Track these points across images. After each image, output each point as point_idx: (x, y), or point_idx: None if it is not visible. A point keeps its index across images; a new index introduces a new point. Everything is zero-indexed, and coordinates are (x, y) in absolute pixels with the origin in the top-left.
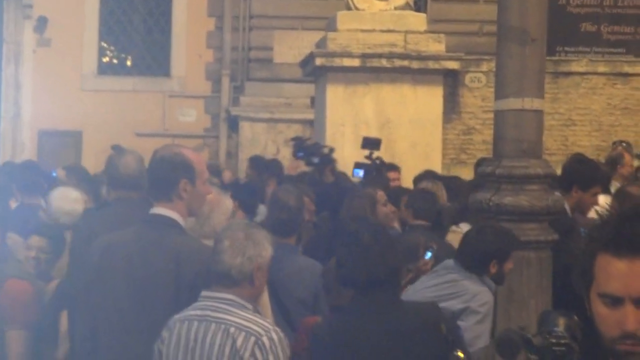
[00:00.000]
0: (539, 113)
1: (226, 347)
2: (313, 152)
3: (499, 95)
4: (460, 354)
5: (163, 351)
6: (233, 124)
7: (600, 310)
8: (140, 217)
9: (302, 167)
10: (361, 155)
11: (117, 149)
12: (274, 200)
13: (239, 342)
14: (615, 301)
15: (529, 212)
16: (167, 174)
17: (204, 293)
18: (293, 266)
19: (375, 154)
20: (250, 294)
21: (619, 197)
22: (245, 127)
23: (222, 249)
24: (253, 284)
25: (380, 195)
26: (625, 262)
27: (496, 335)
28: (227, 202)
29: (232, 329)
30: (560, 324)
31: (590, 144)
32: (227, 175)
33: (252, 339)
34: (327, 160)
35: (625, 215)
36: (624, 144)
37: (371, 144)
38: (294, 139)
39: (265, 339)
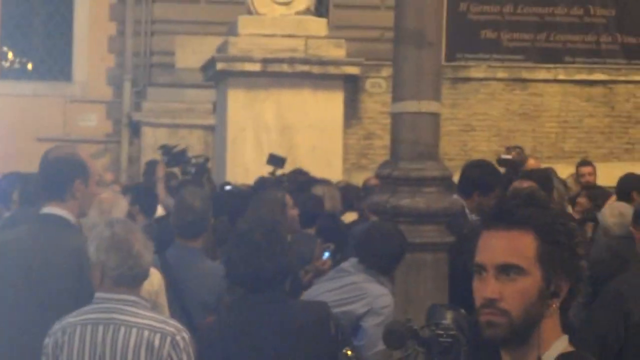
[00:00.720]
0: (435, 116)
1: (141, 349)
2: (179, 159)
3: (396, 98)
4: (349, 352)
5: (61, 357)
6: (135, 130)
7: (474, 284)
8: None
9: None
10: (262, 160)
11: None
12: (180, 202)
13: (156, 343)
14: (481, 269)
15: (425, 214)
16: (62, 173)
17: (100, 295)
18: (198, 270)
19: (280, 171)
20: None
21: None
22: (147, 133)
23: (135, 250)
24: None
25: (288, 198)
26: (491, 233)
27: (383, 327)
28: (123, 203)
29: (146, 332)
30: (448, 317)
31: (489, 149)
32: (108, 177)
33: (168, 338)
34: (203, 169)
35: (503, 197)
36: (518, 149)
37: (276, 161)
38: (161, 147)
39: (179, 338)
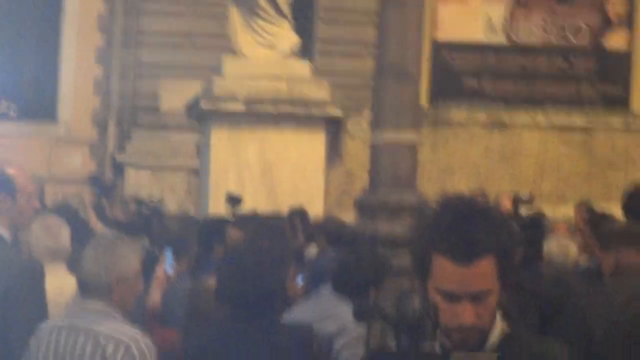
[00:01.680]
0: (413, 145)
1: (96, 356)
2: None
3: (376, 128)
4: None
5: (37, 357)
6: (118, 170)
7: (439, 303)
8: None
9: None
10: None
11: None
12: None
13: (109, 351)
14: (453, 297)
15: (403, 240)
16: None
17: (74, 300)
18: None
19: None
20: (117, 304)
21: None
22: (131, 173)
23: (85, 258)
24: (112, 296)
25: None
26: (462, 268)
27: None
28: (66, 231)
29: (101, 339)
30: (416, 300)
31: (468, 189)
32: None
33: (122, 348)
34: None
35: (458, 218)
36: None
37: (233, 200)
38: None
39: (134, 349)
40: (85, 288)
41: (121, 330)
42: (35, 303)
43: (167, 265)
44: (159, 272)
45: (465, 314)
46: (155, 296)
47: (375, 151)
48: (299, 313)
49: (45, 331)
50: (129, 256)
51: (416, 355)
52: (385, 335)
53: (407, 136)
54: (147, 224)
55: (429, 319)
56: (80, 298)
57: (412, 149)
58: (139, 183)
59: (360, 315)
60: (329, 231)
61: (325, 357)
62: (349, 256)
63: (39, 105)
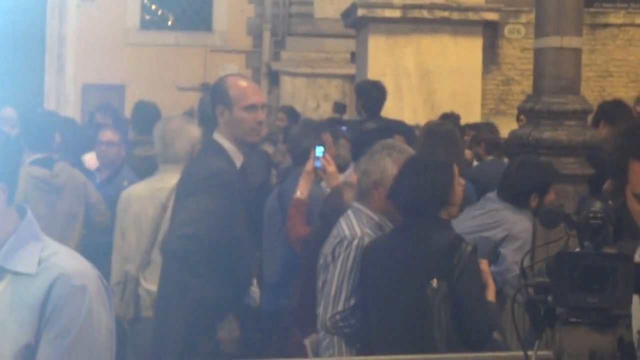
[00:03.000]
0: (577, 51)
1: None
2: None
3: (539, 34)
4: (435, 283)
5: None
6: (274, 79)
7: (634, 207)
8: None
9: None
10: (402, 105)
11: None
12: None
13: None
14: None
15: (567, 147)
16: None
17: None
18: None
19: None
20: None
21: None
22: (286, 82)
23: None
24: None
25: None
26: None
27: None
28: (192, 130)
29: None
30: (597, 205)
31: (627, 95)
32: None
33: None
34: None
35: None
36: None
37: (339, 108)
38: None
39: None
40: None
41: None
42: None
43: (317, 161)
44: (309, 166)
45: None
46: (302, 188)
47: (538, 57)
48: (466, 220)
49: None
50: None
51: (601, 256)
52: (568, 240)
53: (570, 41)
54: None
55: (608, 217)
56: None
57: (577, 55)
58: (294, 91)
59: (547, 219)
60: (489, 139)
61: (462, 268)
62: (512, 163)
63: (195, 16)
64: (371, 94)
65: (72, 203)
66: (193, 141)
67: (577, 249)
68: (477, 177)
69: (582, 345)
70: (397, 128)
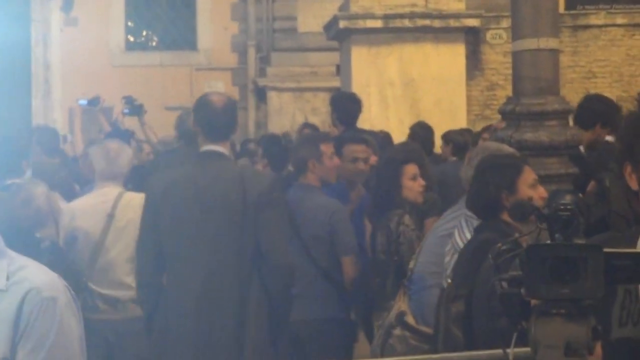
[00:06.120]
0: (554, 52)
1: None
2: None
3: (515, 36)
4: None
5: None
6: (261, 95)
7: None
8: None
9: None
10: (387, 115)
11: None
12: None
13: None
14: None
15: (549, 147)
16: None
17: None
18: (311, 204)
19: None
20: None
21: None
22: (273, 97)
23: None
24: None
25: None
26: None
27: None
28: (128, 150)
29: None
30: (567, 198)
31: (612, 94)
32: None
33: None
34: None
35: None
36: None
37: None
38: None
39: None
40: None
41: None
42: None
43: None
44: None
45: None
46: None
47: (516, 59)
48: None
49: None
50: None
51: (571, 247)
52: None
53: (547, 42)
54: None
55: (578, 210)
56: None
57: (554, 56)
58: (281, 106)
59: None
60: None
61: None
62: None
63: (179, 35)
64: (346, 106)
65: None
66: (130, 159)
67: (548, 242)
68: (439, 177)
69: (557, 337)
70: (364, 139)
